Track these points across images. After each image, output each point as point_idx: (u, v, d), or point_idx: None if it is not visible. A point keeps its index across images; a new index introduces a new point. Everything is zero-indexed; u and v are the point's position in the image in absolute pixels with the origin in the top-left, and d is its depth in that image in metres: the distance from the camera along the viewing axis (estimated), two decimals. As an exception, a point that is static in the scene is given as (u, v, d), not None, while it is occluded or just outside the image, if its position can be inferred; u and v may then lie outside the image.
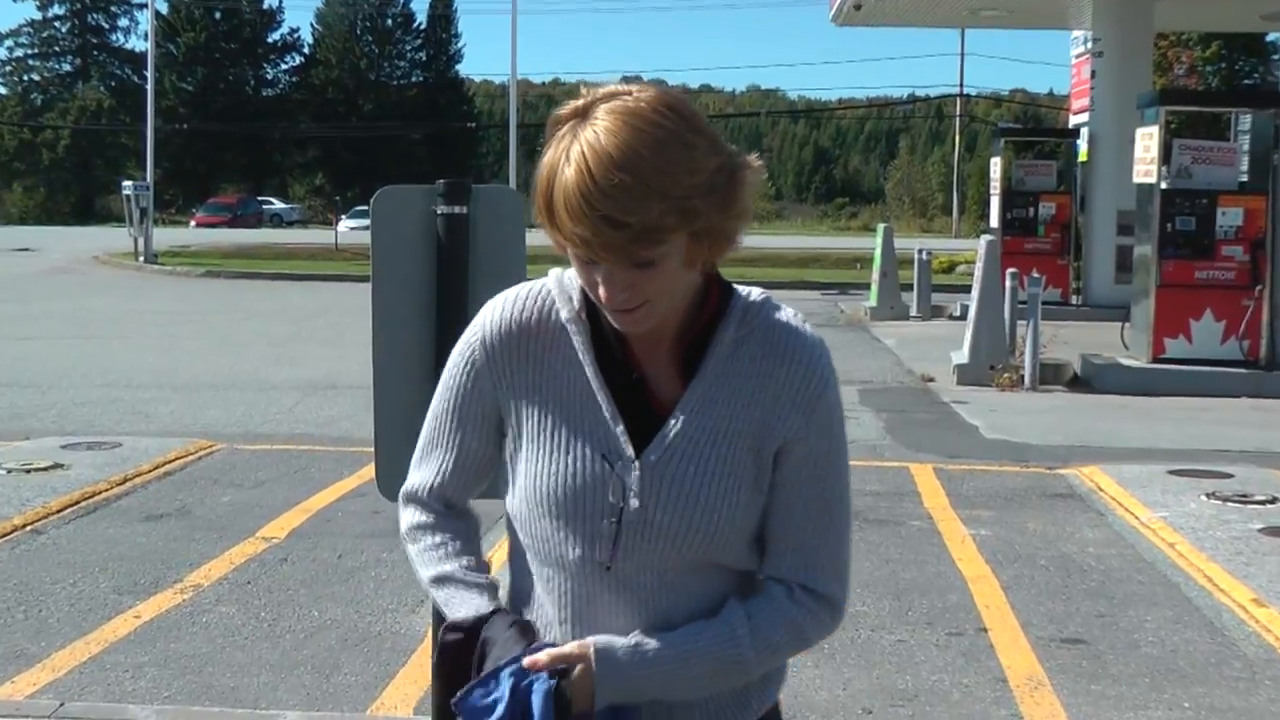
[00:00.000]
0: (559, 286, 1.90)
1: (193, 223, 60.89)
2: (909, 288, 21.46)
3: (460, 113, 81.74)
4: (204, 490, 8.68)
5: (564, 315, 1.88)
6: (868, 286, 22.37)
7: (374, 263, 3.13)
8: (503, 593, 1.98)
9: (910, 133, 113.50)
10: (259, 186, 78.03)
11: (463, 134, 79.44)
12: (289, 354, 16.07)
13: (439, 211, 3.09)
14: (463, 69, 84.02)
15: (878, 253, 21.22)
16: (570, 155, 1.69)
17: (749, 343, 1.87)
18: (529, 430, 1.88)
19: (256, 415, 11.68)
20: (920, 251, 21.54)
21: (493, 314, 1.92)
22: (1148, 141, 14.27)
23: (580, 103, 1.75)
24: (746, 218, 1.82)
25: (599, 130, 1.69)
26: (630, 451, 1.84)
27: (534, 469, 1.87)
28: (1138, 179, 14.62)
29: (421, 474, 2.01)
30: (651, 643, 1.83)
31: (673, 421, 1.85)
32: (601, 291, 1.76)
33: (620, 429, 1.84)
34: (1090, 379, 13.92)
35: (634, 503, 1.83)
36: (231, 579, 6.75)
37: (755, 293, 1.93)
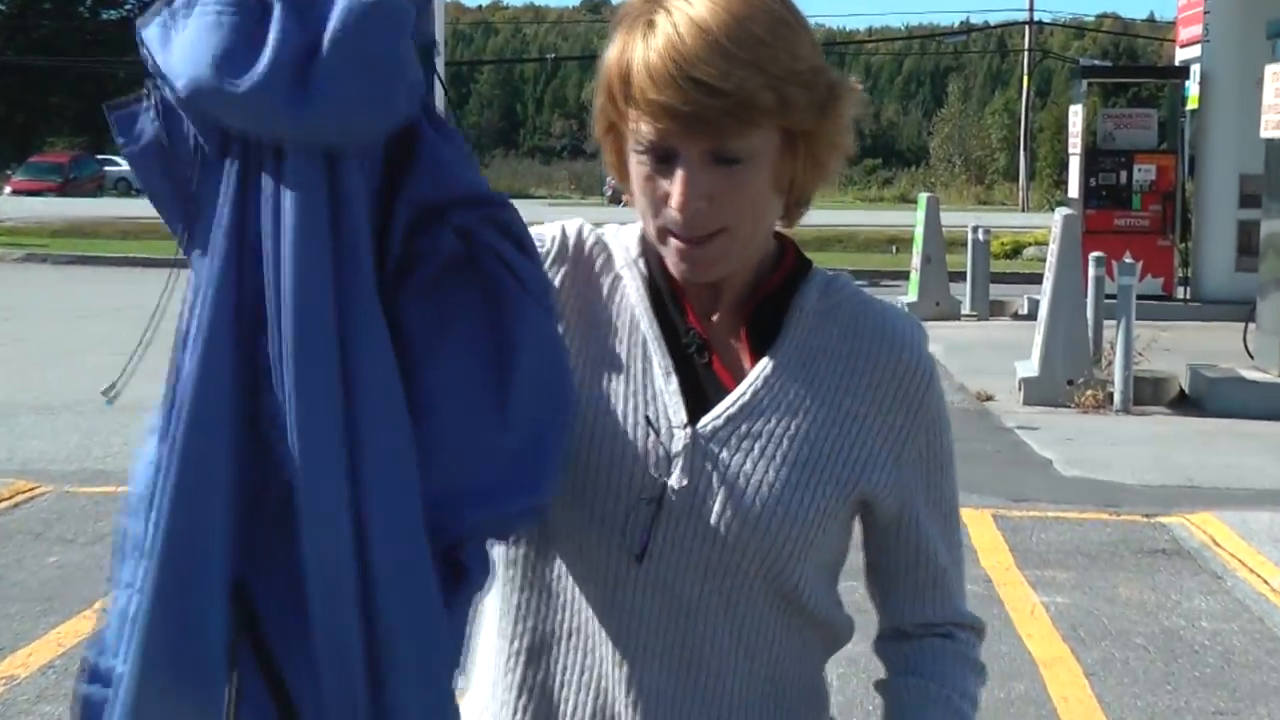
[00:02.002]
0: (615, 234, 2.06)
1: (8, 189, 60.74)
2: (960, 277, 21.53)
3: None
4: (22, 549, 8.65)
5: (619, 261, 2.02)
6: (906, 276, 22.44)
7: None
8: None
9: (964, 73, 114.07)
10: (99, 141, 77.78)
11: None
12: (141, 365, 15.92)
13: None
14: None
15: (919, 231, 21.26)
16: (657, 27, 1.84)
17: (835, 318, 2.01)
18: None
19: (96, 447, 11.62)
20: (976, 230, 21.62)
21: (574, 223, 2.06)
22: None
23: None
24: (845, 147, 1.99)
25: (693, 2, 1.84)
26: (683, 415, 1.93)
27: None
28: (1267, 132, 14.71)
29: None
30: None
31: (740, 390, 1.95)
32: (675, 199, 1.86)
33: (674, 387, 1.94)
34: (1201, 398, 14.00)
35: (680, 480, 1.91)
36: (59, 667, 6.71)
37: (831, 270, 2.09)
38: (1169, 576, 8.44)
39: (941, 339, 18.30)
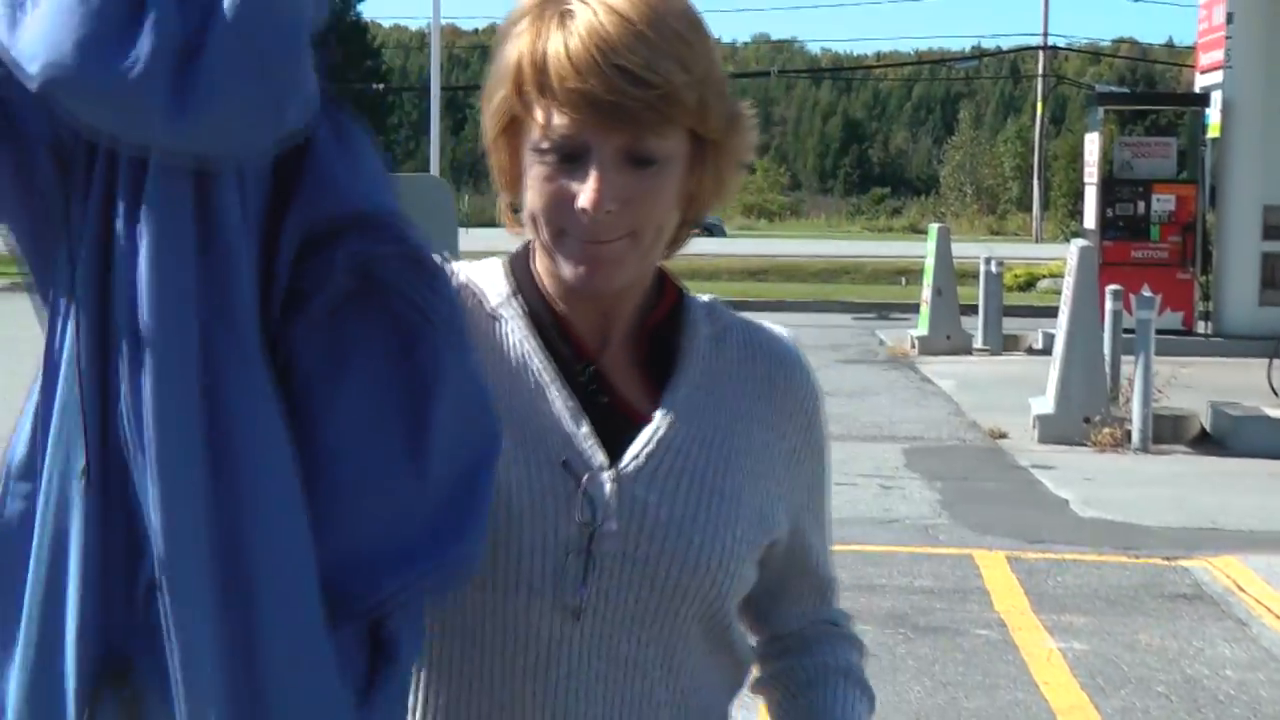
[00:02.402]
0: (476, 272, 1.98)
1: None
2: (972, 310, 21.54)
3: (364, 69, 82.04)
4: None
5: (493, 300, 1.95)
6: (916, 309, 22.46)
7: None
8: None
9: (975, 99, 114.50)
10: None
11: (367, 98, 79.70)
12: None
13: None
14: (367, 10, 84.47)
15: (930, 263, 21.32)
16: (575, 16, 1.80)
17: (728, 342, 2.00)
18: None
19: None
20: (988, 261, 21.63)
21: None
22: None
23: None
24: (740, 168, 1.98)
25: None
26: (602, 457, 1.87)
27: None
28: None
29: None
30: None
31: (654, 426, 1.91)
32: (588, 198, 1.80)
33: (585, 428, 1.88)
34: (1224, 437, 13.98)
35: (610, 524, 1.85)
36: None
37: (702, 295, 2.07)
38: (1191, 622, 8.41)
39: (953, 374, 18.32)
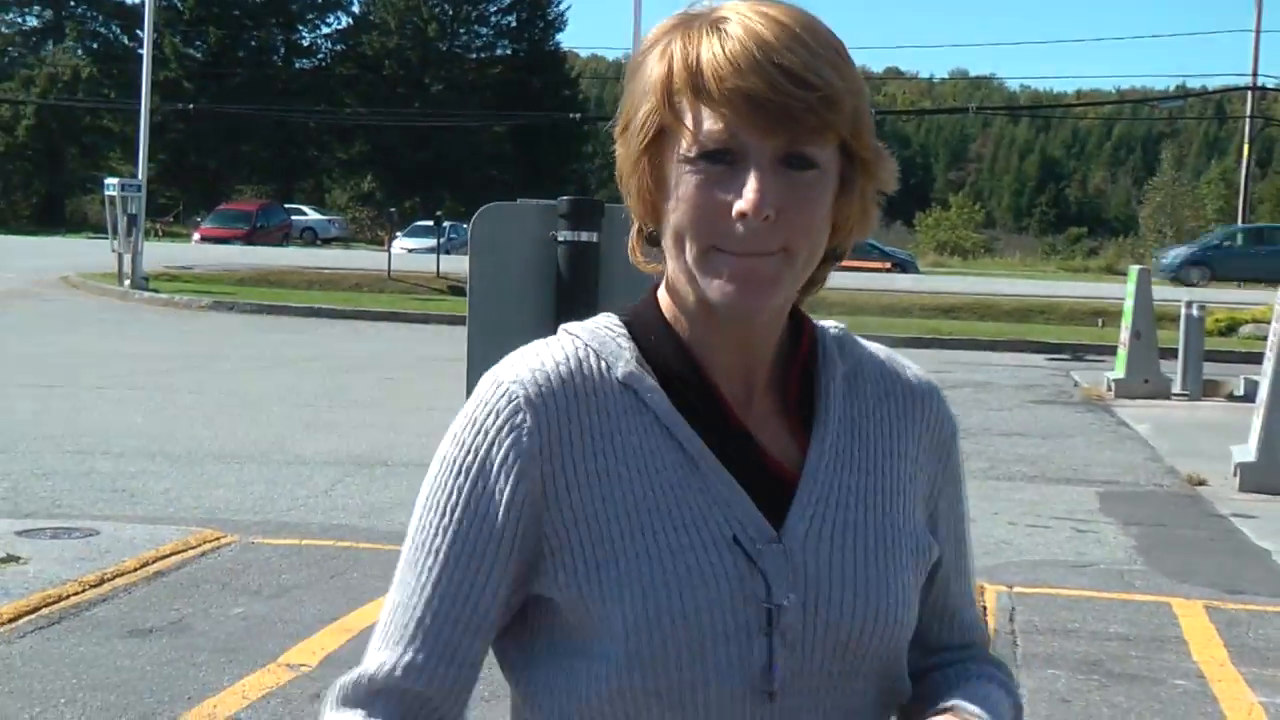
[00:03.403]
0: (591, 337, 1.88)
1: (197, 236, 62.24)
2: (1171, 354, 21.20)
3: (561, 99, 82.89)
4: (208, 598, 8.82)
5: (621, 368, 1.84)
6: (1113, 351, 22.19)
7: (471, 303, 3.19)
8: None
9: (1178, 139, 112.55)
10: (287, 190, 79.65)
11: (563, 127, 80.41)
12: (325, 418, 16.32)
13: (560, 238, 3.15)
14: (566, 40, 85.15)
15: (1129, 305, 21.06)
16: (728, 23, 1.77)
17: (860, 380, 1.97)
18: (609, 535, 1.79)
19: (280, 498, 11.88)
20: (1190, 305, 21.31)
21: (520, 374, 1.84)
22: None
23: (695, 9, 1.83)
24: (881, 199, 1.91)
25: (756, 6, 1.79)
26: (768, 528, 1.81)
27: (635, 588, 1.76)
28: None
29: (396, 654, 1.85)
30: None
31: (810, 483, 1.86)
32: (747, 201, 1.73)
33: (745, 498, 1.81)
34: None
35: (787, 598, 1.78)
36: (243, 720, 6.85)
37: (826, 321, 2.03)
38: (1396, 680, 8.21)
39: (1150, 418, 18.05)
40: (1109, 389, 20.88)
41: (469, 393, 3.37)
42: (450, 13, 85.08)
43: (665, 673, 1.75)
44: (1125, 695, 7.66)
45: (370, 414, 16.62)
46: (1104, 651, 8.28)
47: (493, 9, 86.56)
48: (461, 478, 1.83)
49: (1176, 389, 20.85)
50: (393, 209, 56.17)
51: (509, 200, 3.45)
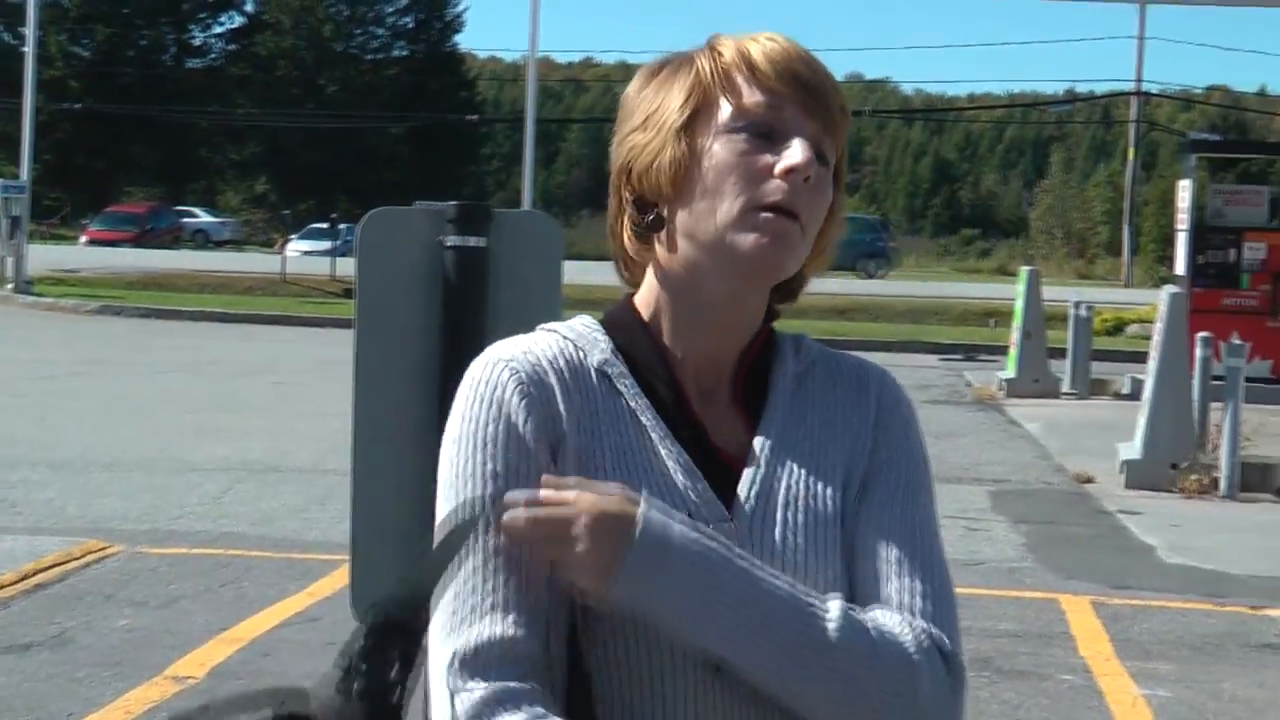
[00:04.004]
0: (568, 330, 2.01)
1: (84, 238, 61.49)
2: (1060, 354, 21.47)
3: (458, 100, 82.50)
4: (92, 610, 8.73)
5: (595, 357, 1.97)
6: (1005, 351, 22.41)
7: (359, 308, 3.20)
8: None
9: (1066, 143, 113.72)
10: (178, 192, 78.83)
11: (460, 129, 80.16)
12: (215, 423, 16.19)
13: (448, 243, 3.17)
14: (464, 41, 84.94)
15: (1019, 305, 21.29)
16: (750, 40, 1.98)
17: (812, 376, 2.07)
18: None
19: (169, 507, 11.77)
20: (1078, 305, 21.56)
21: (511, 354, 1.95)
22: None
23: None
24: (841, 227, 2.08)
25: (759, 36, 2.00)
26: (721, 509, 1.91)
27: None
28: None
29: (488, 627, 1.84)
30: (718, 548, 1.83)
31: (757, 468, 1.96)
32: (795, 158, 1.90)
33: (701, 484, 1.92)
34: (1312, 486, 13.88)
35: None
36: (132, 728, 6.79)
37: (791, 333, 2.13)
38: (1277, 671, 8.36)
39: (1040, 417, 18.26)
40: (1000, 389, 21.08)
41: (358, 398, 3.38)
42: (346, 13, 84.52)
43: (622, 640, 1.84)
44: (1014, 691, 7.76)
45: (263, 419, 16.52)
46: (994, 648, 8.38)
47: (389, 10, 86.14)
48: (490, 443, 1.89)
49: (1066, 388, 21.10)
50: (287, 211, 55.85)
51: (405, 203, 3.46)
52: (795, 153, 1.90)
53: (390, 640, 1.75)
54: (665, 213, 1.96)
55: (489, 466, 1.88)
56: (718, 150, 1.92)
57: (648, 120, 1.98)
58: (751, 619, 1.81)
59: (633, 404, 1.94)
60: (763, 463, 1.96)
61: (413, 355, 3.20)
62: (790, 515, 1.93)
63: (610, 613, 1.82)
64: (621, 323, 2.01)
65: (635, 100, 2.01)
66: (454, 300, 3.19)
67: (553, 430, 1.90)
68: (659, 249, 1.98)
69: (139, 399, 18.01)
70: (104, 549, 10.04)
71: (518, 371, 1.91)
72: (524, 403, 1.89)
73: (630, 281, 2.06)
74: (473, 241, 3.18)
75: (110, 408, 17.15)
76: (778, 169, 1.90)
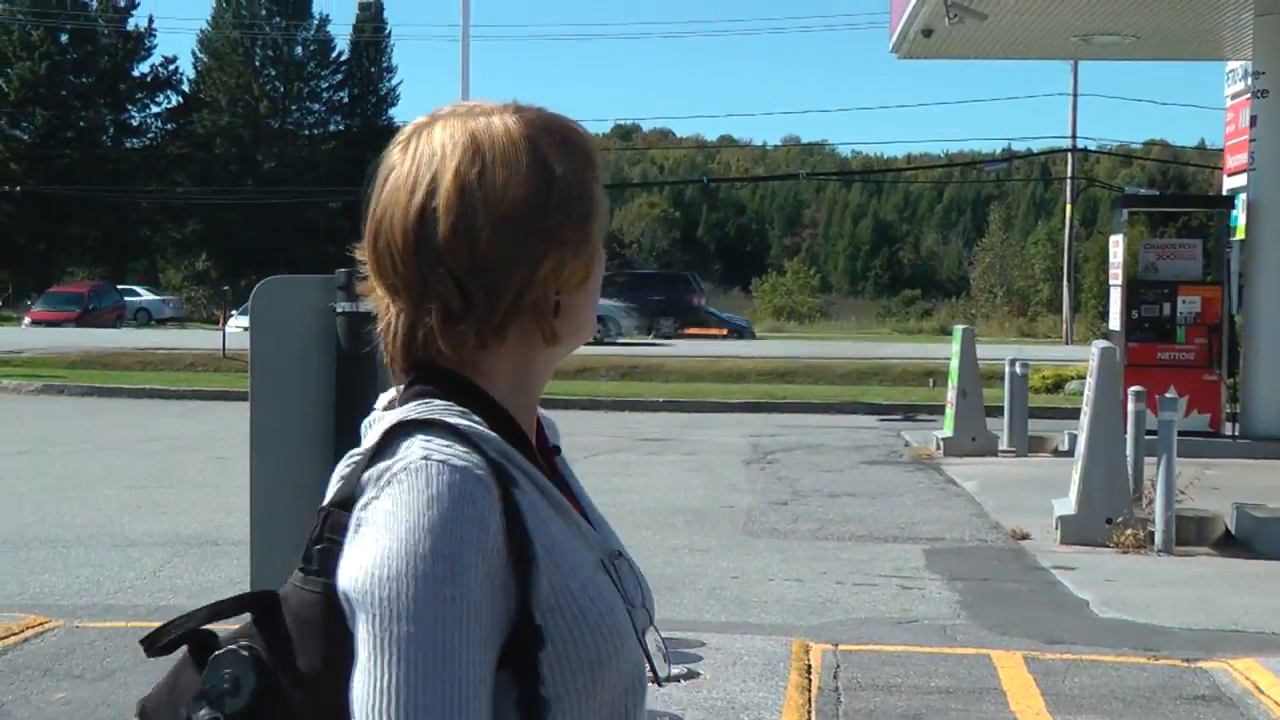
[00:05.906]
0: (458, 422, 1.90)
1: (27, 319, 61.27)
2: (999, 411, 21.59)
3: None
4: (29, 684, 8.71)
5: (493, 444, 1.90)
6: (943, 410, 22.51)
7: (253, 375, 3.25)
8: None
9: (1006, 201, 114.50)
10: (120, 271, 78.62)
11: (397, 200, 79.93)
12: (155, 499, 16.14)
13: (340, 309, 3.21)
14: (399, 114, 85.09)
15: (954, 364, 21.37)
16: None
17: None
18: (561, 567, 1.89)
19: (107, 581, 11.74)
20: (1013, 363, 21.69)
21: (449, 454, 1.85)
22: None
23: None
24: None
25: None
26: (614, 548, 2.05)
27: (592, 599, 1.89)
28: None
29: None
30: None
31: (590, 509, 2.10)
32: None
33: (592, 530, 2.04)
34: (1249, 539, 13.96)
35: (638, 598, 2.04)
36: (64, 805, 6.77)
37: None
38: (1208, 723, 8.42)
39: (977, 475, 18.36)
40: (938, 448, 21.17)
41: (255, 463, 3.40)
42: (282, 90, 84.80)
43: (626, 661, 1.94)
44: (945, 746, 7.80)
45: (201, 494, 16.48)
46: (925, 705, 8.42)
47: (324, 85, 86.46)
48: (452, 594, 1.79)
49: (1004, 445, 21.20)
50: (227, 287, 55.66)
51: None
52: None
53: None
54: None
55: (467, 599, 1.81)
56: (595, 281, 2.11)
57: (591, 213, 2.13)
58: None
59: (535, 480, 1.94)
60: (592, 506, 2.12)
61: (308, 419, 3.24)
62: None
63: None
64: (482, 402, 1.96)
65: (598, 199, 2.15)
66: (346, 365, 3.23)
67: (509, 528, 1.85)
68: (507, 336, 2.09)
69: (80, 476, 17.94)
70: (43, 624, 10.01)
71: (473, 475, 1.83)
72: (485, 527, 1.82)
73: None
74: (364, 307, 3.22)
75: (51, 485, 17.08)
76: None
